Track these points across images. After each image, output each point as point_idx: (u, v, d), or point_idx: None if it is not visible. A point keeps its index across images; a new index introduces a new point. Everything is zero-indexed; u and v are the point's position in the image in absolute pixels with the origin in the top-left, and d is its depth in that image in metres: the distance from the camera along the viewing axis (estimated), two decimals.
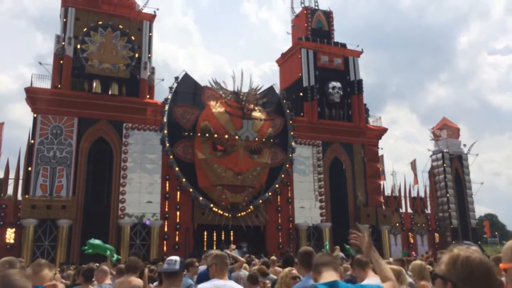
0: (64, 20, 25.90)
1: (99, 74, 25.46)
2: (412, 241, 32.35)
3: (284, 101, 29.14)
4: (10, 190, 24.63)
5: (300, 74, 31.49)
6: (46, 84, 24.95)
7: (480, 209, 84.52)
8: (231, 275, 7.22)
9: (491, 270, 1.56)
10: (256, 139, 26.08)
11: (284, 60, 34.51)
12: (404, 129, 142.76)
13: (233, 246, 9.02)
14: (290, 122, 28.82)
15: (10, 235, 22.88)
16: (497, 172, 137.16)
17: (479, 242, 33.51)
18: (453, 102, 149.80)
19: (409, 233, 32.59)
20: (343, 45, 33.36)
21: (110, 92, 25.29)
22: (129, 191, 24.49)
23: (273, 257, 10.02)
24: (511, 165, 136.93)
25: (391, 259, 8.52)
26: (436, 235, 33.70)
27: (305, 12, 33.93)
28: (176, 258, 3.75)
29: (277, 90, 29.78)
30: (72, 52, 25.24)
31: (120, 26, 26.88)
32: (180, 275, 3.76)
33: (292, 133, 28.70)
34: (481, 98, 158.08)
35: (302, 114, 30.12)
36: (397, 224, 31.86)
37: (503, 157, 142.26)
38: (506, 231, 68.10)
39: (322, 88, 31.18)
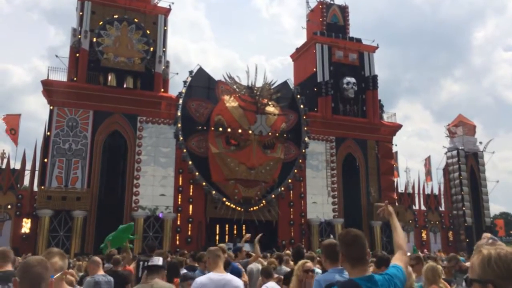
0: (80, 13, 26.12)
1: (114, 67, 25.66)
2: (425, 238, 32.10)
3: (298, 96, 29.04)
4: (26, 181, 25.08)
5: (314, 69, 31.33)
6: (62, 77, 25.23)
7: (494, 208, 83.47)
8: (246, 269, 7.26)
9: None
10: (270, 134, 26.07)
11: (299, 55, 34.35)
12: (417, 126, 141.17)
13: (248, 235, 9.01)
14: (304, 117, 28.72)
15: (26, 225, 23.33)
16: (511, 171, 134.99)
17: None
18: (467, 99, 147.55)
19: (422, 231, 32.34)
20: (359, 40, 33.07)
21: (125, 86, 25.49)
22: (142, 184, 24.72)
23: (288, 251, 10.05)
24: None
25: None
26: (450, 233, 33.38)
27: (320, 6, 33.68)
28: (159, 258, 4.43)
29: (291, 85, 29.68)
30: (88, 45, 25.46)
31: (136, 20, 27.03)
32: (162, 271, 4.32)
33: (305, 128, 28.60)
34: (496, 95, 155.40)
35: (316, 109, 29.99)
36: (410, 221, 31.63)
37: None
38: None
39: (337, 84, 30.99)
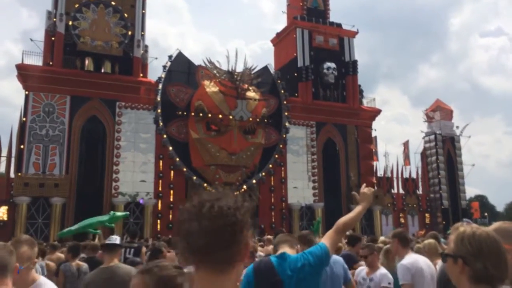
0: None
1: (91, 51, 25.10)
2: (403, 221, 32.78)
3: (279, 81, 29.01)
4: (2, 168, 24.57)
5: (295, 54, 31.28)
6: (37, 61, 24.60)
7: (470, 191, 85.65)
8: None
9: (499, 242, 1.59)
10: (250, 119, 26.04)
11: (279, 40, 34.20)
12: (396, 111, 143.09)
13: None
14: (285, 102, 28.75)
15: (2, 212, 22.90)
16: (487, 155, 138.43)
17: None
18: (444, 84, 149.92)
19: (401, 214, 33.01)
20: (339, 25, 33.08)
21: (102, 70, 25.00)
22: (122, 170, 24.49)
23: (269, 236, 10.13)
24: (501, 148, 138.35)
25: (383, 238, 8.60)
26: (427, 215, 34.16)
27: None
28: (117, 237, 4.46)
29: (272, 70, 29.61)
30: (64, 29, 24.80)
31: (113, 3, 26.41)
32: (119, 250, 4.41)
33: (286, 113, 28.67)
34: (472, 80, 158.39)
35: (296, 94, 30.04)
36: (389, 205, 32.21)
37: (493, 139, 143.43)
38: (496, 212, 69.15)
39: (317, 69, 31.04)
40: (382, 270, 4.85)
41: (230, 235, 1.21)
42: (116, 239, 4.39)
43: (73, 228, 9.72)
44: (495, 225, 2.03)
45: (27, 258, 2.64)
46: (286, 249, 2.94)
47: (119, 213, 10.85)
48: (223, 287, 1.21)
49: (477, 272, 1.54)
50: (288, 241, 3.10)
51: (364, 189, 3.02)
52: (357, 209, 2.93)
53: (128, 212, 12.97)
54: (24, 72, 23.64)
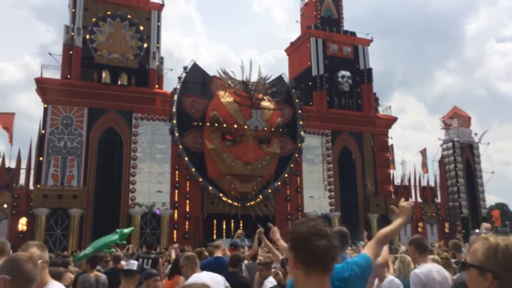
0: (73, 10, 25.92)
1: (108, 64, 25.52)
2: (421, 230, 32.26)
3: (293, 91, 29.02)
4: (22, 180, 24.97)
5: (309, 63, 31.29)
6: (55, 75, 25.08)
7: (490, 199, 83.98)
8: (243, 264, 7.25)
9: None
10: (265, 128, 26.06)
11: (293, 49, 34.28)
12: (412, 118, 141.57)
13: (240, 231, 9.09)
14: (299, 111, 28.71)
15: (22, 224, 23.24)
16: (507, 162, 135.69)
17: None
18: (461, 90, 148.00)
19: (419, 223, 32.49)
20: (353, 34, 33.04)
21: (119, 82, 25.39)
22: (139, 181, 24.68)
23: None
24: None
25: (404, 248, 8.47)
26: (446, 224, 33.56)
27: (314, 0, 33.59)
28: (135, 262, 4.32)
29: (286, 80, 29.65)
30: (81, 43, 25.29)
31: (129, 16, 26.86)
32: (136, 276, 4.16)
33: (301, 122, 28.61)
34: (489, 86, 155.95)
35: (311, 103, 29.99)
36: None
37: None
38: None
39: (332, 77, 30.98)
40: (389, 278, 4.91)
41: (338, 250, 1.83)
42: (134, 264, 4.21)
43: (87, 252, 9.82)
44: None
45: (37, 257, 2.66)
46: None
47: (126, 230, 10.94)
48: (327, 284, 1.76)
49: None
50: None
51: (404, 203, 3.01)
52: (397, 222, 2.93)
53: (133, 228, 13.03)
54: (43, 86, 24.12)
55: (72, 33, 25.30)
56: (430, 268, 4.23)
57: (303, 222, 1.80)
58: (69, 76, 24.71)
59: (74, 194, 23.01)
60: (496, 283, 1.46)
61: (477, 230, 4.52)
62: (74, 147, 23.98)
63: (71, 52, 25.09)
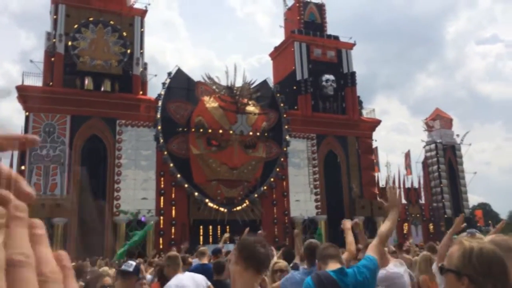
0: (55, 17, 25.64)
1: (91, 71, 25.27)
2: (406, 231, 32.57)
3: (278, 95, 29.10)
4: None
5: (293, 68, 31.46)
6: (37, 82, 24.76)
7: (473, 199, 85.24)
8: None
9: (504, 260, 1.52)
10: (251, 133, 26.07)
11: (277, 54, 34.43)
12: (395, 120, 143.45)
13: (226, 235, 9.09)
14: (284, 115, 28.80)
15: None
16: (488, 162, 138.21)
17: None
18: (442, 92, 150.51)
19: (404, 224, 32.79)
20: (336, 38, 33.33)
21: (102, 89, 25.15)
22: (123, 188, 24.43)
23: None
24: (502, 154, 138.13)
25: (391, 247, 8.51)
26: (431, 225, 33.94)
27: (297, 4, 33.83)
28: (133, 262, 4.18)
29: (271, 84, 29.73)
30: (63, 49, 25.02)
31: (111, 22, 26.66)
32: (133, 277, 4.00)
33: (286, 126, 28.70)
34: (470, 88, 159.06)
35: (296, 107, 30.12)
36: None
37: (494, 146, 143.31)
38: (500, 220, 68.68)
39: (316, 81, 31.18)
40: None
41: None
42: (131, 265, 4.02)
43: (125, 249, 9.80)
44: (491, 238, 1.95)
45: None
46: (337, 265, 2.83)
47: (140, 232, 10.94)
48: (257, 281, 2.13)
49: None
50: (337, 257, 2.97)
51: (389, 191, 3.08)
52: (391, 216, 2.98)
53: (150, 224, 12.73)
54: (24, 93, 23.76)
55: (54, 40, 25.01)
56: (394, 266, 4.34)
57: (251, 237, 2.31)
58: (51, 83, 24.40)
59: (58, 203, 22.65)
60: (472, 286, 1.48)
61: (472, 230, 4.56)
62: (57, 155, 23.64)
63: (53, 59, 24.79)
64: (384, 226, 2.95)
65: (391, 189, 3.06)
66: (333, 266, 2.81)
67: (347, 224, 4.04)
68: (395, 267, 4.28)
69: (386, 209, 3.03)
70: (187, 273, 4.75)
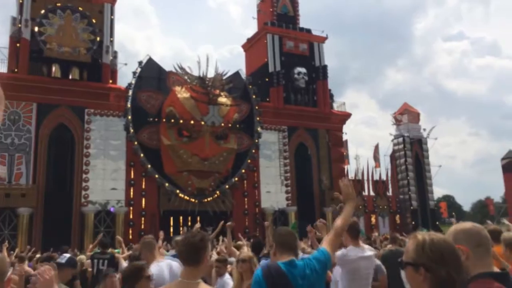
0: (20, 1, 24.74)
1: (58, 58, 24.56)
2: (374, 222, 33.32)
3: (250, 87, 29.12)
4: None
5: (266, 60, 31.50)
6: (1, 68, 23.94)
7: (438, 191, 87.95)
8: None
9: (455, 247, 1.63)
10: (222, 124, 26.02)
11: (250, 45, 34.37)
12: (364, 114, 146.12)
13: (197, 226, 9.06)
14: (256, 107, 28.87)
15: None
16: (453, 155, 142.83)
17: (437, 223, 34.95)
18: (411, 87, 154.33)
19: (372, 215, 33.53)
20: (308, 31, 33.53)
21: (70, 77, 24.51)
22: (92, 178, 23.99)
23: (240, 242, 10.07)
24: (466, 149, 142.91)
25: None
26: (397, 216, 34.81)
27: None
28: (67, 255, 4.28)
29: (243, 76, 29.70)
30: (30, 35, 24.21)
31: (80, 8, 25.95)
32: (65, 269, 4.14)
33: (258, 118, 28.78)
34: (437, 83, 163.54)
35: (268, 99, 30.21)
36: (360, 207, 32.68)
37: (458, 141, 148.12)
38: (463, 212, 71.25)
39: (288, 74, 31.33)
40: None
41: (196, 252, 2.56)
42: (64, 257, 4.10)
43: None
44: (456, 227, 2.02)
45: None
46: (291, 257, 2.80)
47: None
48: (192, 273, 2.50)
49: (441, 279, 1.55)
50: (293, 249, 2.90)
51: (343, 184, 3.07)
52: (346, 210, 3.02)
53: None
54: None
55: (19, 25, 24.17)
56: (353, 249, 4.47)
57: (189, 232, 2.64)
58: (16, 70, 23.61)
59: (23, 193, 22.06)
60: (429, 275, 1.58)
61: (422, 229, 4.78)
62: (22, 144, 22.97)
63: (18, 44, 23.97)
64: (339, 220, 2.98)
65: (344, 183, 3.07)
66: (286, 257, 2.80)
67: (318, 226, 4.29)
68: (351, 251, 4.41)
69: (343, 202, 3.06)
70: (167, 260, 4.71)
